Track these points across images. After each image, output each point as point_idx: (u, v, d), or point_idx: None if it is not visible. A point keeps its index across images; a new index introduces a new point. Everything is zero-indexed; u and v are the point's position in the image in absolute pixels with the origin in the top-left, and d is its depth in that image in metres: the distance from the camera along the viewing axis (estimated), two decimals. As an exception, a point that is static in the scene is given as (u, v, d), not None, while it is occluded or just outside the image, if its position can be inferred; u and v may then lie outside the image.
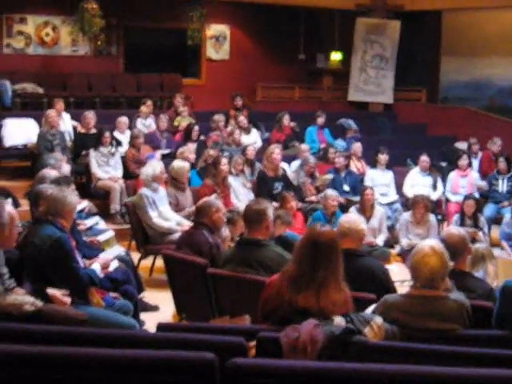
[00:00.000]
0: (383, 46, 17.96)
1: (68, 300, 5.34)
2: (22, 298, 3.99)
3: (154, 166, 9.48)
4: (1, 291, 4.90)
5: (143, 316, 6.88)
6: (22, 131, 12.72)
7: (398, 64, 17.94)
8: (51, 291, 5.29)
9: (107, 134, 11.43)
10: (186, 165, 9.96)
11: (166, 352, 3.14)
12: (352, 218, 6.25)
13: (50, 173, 8.15)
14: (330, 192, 10.48)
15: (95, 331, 3.84)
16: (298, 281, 4.31)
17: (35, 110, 14.84)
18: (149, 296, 7.90)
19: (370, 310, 4.77)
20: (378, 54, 18.02)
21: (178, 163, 9.87)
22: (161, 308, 7.79)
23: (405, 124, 17.90)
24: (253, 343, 3.79)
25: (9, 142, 12.56)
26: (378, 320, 4.30)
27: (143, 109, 13.72)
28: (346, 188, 11.64)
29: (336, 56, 19.54)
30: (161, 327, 4.17)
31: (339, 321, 4.15)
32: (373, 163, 12.50)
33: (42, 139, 11.67)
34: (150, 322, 6.57)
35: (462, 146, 15.04)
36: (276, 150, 11.37)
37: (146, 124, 13.26)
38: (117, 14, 16.46)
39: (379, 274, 5.74)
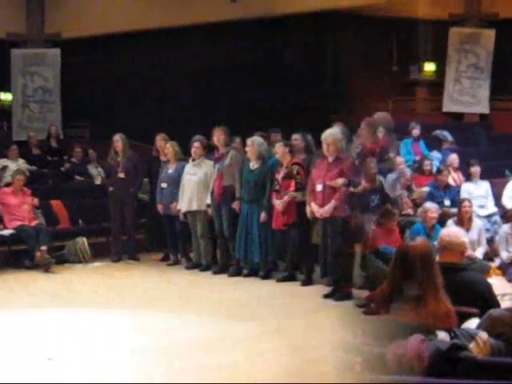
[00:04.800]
0: (478, 55, 17.71)
1: None
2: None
3: None
4: None
5: None
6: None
7: (494, 73, 17.63)
8: None
9: None
10: None
11: None
12: (453, 230, 6.15)
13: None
14: (429, 204, 10.36)
15: None
16: (393, 297, 4.28)
17: None
18: None
19: (473, 325, 4.69)
20: (472, 64, 17.77)
21: None
22: None
23: (501, 134, 17.48)
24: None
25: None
26: (484, 335, 4.21)
27: None
28: (447, 203, 11.43)
29: (429, 67, 19.36)
30: None
31: (443, 336, 4.09)
32: (467, 176, 12.31)
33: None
34: None
35: (560, 155, 14.70)
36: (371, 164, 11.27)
37: None
38: None
39: (482, 289, 5.60)
